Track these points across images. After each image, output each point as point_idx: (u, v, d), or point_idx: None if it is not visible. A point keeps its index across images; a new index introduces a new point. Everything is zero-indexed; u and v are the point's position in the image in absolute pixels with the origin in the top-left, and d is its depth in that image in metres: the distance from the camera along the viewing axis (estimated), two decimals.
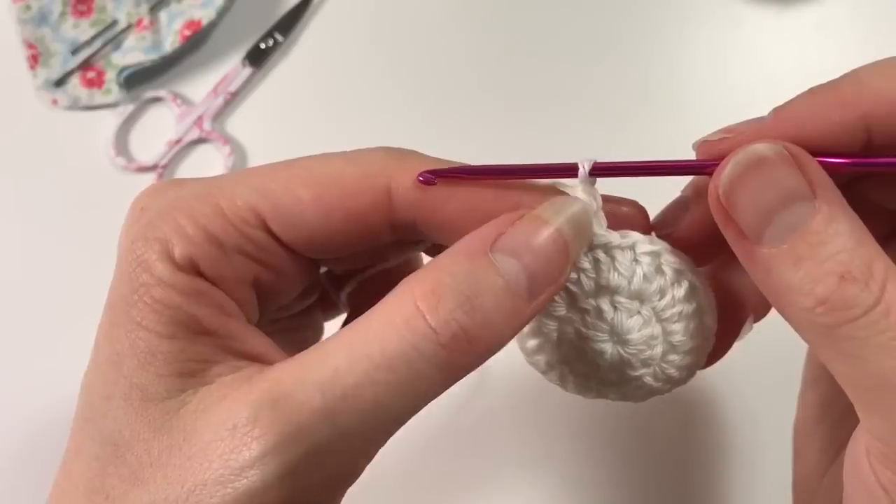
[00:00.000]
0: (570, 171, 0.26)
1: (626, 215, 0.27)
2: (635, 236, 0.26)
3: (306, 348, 0.35)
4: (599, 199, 0.26)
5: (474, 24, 0.63)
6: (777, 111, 0.26)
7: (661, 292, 0.26)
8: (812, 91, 0.26)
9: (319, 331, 0.36)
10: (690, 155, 0.27)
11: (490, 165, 0.26)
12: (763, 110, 0.26)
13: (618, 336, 0.27)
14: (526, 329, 0.27)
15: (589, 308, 0.27)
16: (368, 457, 0.23)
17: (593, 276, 0.26)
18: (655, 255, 0.26)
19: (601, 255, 0.26)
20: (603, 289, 0.27)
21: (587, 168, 0.26)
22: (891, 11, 0.58)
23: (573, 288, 0.27)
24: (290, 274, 0.28)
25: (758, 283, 0.24)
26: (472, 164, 0.27)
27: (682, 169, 0.27)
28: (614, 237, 0.26)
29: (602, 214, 0.26)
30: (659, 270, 0.26)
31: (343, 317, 0.35)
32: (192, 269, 0.25)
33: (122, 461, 0.23)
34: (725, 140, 0.26)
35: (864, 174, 0.27)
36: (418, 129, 0.59)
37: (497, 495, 0.50)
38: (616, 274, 0.26)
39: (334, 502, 0.24)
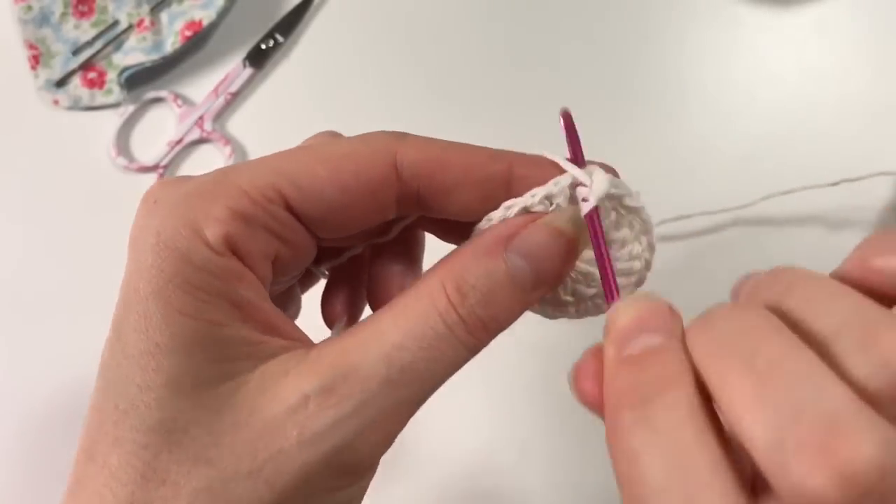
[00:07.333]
0: None
1: None
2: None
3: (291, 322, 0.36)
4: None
5: (474, 24, 0.63)
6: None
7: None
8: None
9: (299, 304, 0.36)
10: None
11: None
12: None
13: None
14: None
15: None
16: (411, 416, 0.26)
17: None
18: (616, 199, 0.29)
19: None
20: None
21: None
22: (891, 11, 0.58)
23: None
24: (304, 251, 0.28)
25: None
26: None
27: None
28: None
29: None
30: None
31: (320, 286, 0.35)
32: (226, 248, 0.25)
33: (177, 446, 0.23)
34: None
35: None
36: (418, 130, 0.59)
37: (492, 482, 0.50)
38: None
39: (380, 455, 0.27)
